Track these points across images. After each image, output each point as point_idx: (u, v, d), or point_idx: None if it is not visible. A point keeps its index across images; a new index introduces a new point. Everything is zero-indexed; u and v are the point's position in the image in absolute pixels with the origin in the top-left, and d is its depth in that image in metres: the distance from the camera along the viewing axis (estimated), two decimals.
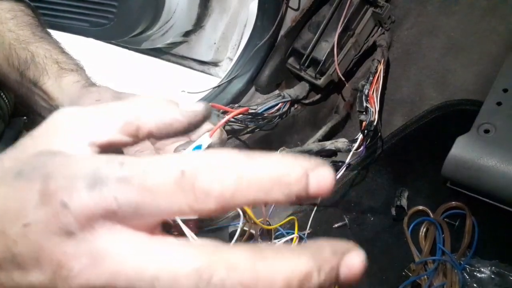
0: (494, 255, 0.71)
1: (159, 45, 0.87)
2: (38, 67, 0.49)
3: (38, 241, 0.21)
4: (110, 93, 0.45)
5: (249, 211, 0.44)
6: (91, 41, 0.85)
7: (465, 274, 0.69)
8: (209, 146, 0.40)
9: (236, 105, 0.75)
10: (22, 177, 0.23)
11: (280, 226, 0.69)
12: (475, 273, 0.70)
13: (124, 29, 0.74)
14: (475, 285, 0.69)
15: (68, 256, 0.21)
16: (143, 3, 0.71)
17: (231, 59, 0.88)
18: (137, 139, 0.26)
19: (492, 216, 0.74)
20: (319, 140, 0.83)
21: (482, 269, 0.70)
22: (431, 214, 0.76)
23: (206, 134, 0.40)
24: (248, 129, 0.75)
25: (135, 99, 0.26)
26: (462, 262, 0.70)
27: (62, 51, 0.51)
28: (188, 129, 0.26)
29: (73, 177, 0.21)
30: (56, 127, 0.25)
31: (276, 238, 0.73)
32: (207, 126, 0.40)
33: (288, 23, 0.77)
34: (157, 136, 0.26)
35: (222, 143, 0.43)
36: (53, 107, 0.47)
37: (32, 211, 0.22)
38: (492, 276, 0.70)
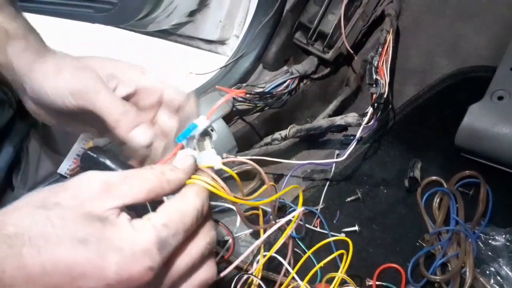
0: (509, 223, 0.70)
1: (165, 27, 0.87)
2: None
3: None
4: (69, 62, 0.42)
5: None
6: (98, 26, 0.85)
7: (479, 242, 0.69)
8: (205, 128, 0.40)
9: (244, 84, 0.75)
10: (88, 246, 0.30)
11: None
12: (489, 241, 0.70)
13: (129, 13, 0.74)
14: (489, 253, 0.69)
15: None
16: None
17: (237, 37, 0.88)
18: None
19: (507, 184, 0.73)
20: (330, 115, 0.82)
21: (497, 237, 0.70)
22: (444, 184, 0.76)
23: (203, 117, 0.41)
24: (258, 108, 0.75)
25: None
26: (476, 231, 0.70)
27: (15, 18, 0.45)
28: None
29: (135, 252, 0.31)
30: (90, 191, 0.33)
31: (289, 213, 0.74)
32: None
33: None
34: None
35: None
36: (7, 78, 0.44)
37: (113, 277, 0.30)
38: (507, 243, 0.70)
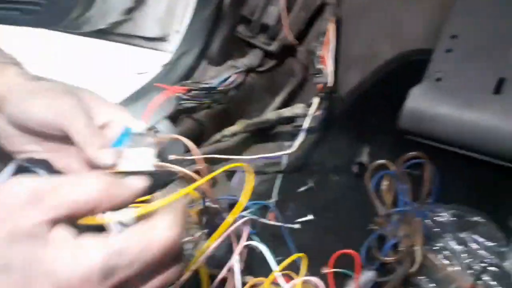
0: (454, 199, 0.73)
1: (101, 26, 0.83)
2: None
3: None
4: (61, 88, 0.43)
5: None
6: (27, 29, 0.80)
7: (427, 220, 0.72)
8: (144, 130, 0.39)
9: (189, 81, 0.73)
10: (11, 272, 0.26)
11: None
12: (436, 218, 0.73)
13: (58, 13, 0.70)
14: (437, 230, 0.72)
15: None
16: None
17: (179, 32, 0.85)
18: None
19: (450, 162, 0.77)
20: (278, 108, 0.82)
21: (443, 214, 0.73)
22: (392, 167, 0.78)
23: (138, 120, 0.40)
24: (205, 105, 0.74)
25: (89, 181, 0.30)
26: (423, 210, 0.73)
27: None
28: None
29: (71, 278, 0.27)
30: (17, 201, 0.28)
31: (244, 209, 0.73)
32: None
33: None
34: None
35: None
36: None
37: None
38: (454, 219, 0.73)
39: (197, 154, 0.44)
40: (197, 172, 0.71)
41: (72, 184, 0.29)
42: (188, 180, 0.40)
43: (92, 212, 0.30)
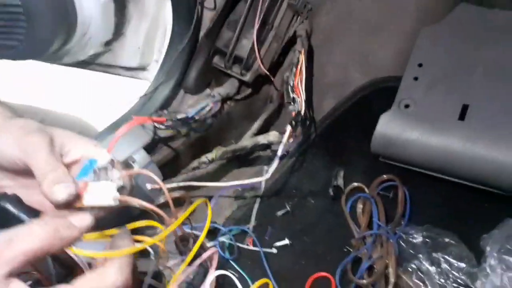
0: (426, 220, 0.76)
1: (81, 58, 0.85)
2: None
3: None
4: (33, 126, 0.45)
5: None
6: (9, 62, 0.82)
7: (401, 242, 0.74)
8: (104, 167, 0.40)
9: (167, 110, 0.75)
10: None
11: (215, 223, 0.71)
12: (410, 239, 0.75)
13: (38, 48, 0.71)
14: (410, 251, 0.74)
15: None
16: (53, 20, 0.69)
17: (158, 62, 0.88)
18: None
19: (423, 184, 0.79)
20: (255, 134, 0.85)
21: (416, 235, 0.75)
22: (366, 190, 0.81)
23: (103, 150, 0.41)
24: (182, 134, 0.76)
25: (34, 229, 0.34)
26: (397, 232, 0.75)
27: None
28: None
29: None
30: None
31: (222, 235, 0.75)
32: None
33: (207, 23, 0.77)
34: None
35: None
36: None
37: None
38: (427, 240, 0.75)
39: (163, 188, 0.46)
40: (175, 199, 0.72)
41: (22, 236, 0.33)
42: (153, 212, 0.42)
43: (46, 254, 0.34)
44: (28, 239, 0.33)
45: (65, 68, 0.91)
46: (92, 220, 0.38)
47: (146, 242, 0.40)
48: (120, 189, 0.41)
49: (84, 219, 0.38)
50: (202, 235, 0.53)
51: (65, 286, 0.33)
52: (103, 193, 0.40)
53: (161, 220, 0.44)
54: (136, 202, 0.41)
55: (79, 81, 0.94)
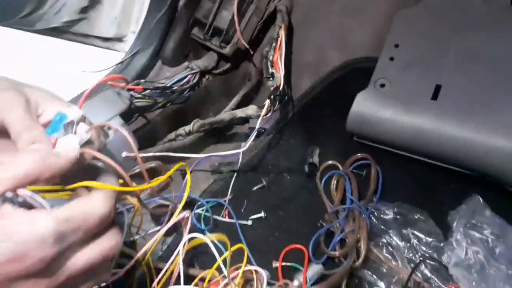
0: (397, 198, 0.78)
1: (55, 24, 0.82)
2: None
3: None
4: (6, 84, 0.43)
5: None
6: None
7: (372, 217, 0.76)
8: (72, 122, 0.40)
9: (143, 80, 0.74)
10: None
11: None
12: (381, 216, 0.77)
13: (9, 10, 0.69)
14: (381, 226, 0.76)
15: None
16: None
17: (135, 33, 0.86)
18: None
19: (394, 163, 0.81)
20: (233, 109, 0.84)
21: (387, 211, 0.77)
22: (340, 168, 0.82)
23: (75, 106, 0.40)
24: (159, 104, 0.75)
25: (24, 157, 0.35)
26: (369, 208, 0.77)
27: None
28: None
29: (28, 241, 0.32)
30: None
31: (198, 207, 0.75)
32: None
33: None
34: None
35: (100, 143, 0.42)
36: None
37: (2, 263, 0.31)
38: (396, 216, 0.77)
39: (137, 155, 0.45)
40: (149, 169, 0.71)
41: (11, 162, 0.35)
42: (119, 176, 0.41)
43: (36, 181, 0.35)
44: (18, 165, 0.34)
45: (37, 36, 0.88)
46: (77, 154, 0.38)
47: (131, 187, 0.40)
48: (88, 144, 0.41)
49: (71, 151, 0.38)
50: (183, 198, 0.53)
51: (53, 209, 0.34)
52: (67, 146, 0.39)
53: (127, 184, 0.44)
54: (102, 157, 0.40)
55: (52, 51, 0.91)
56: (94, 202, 0.36)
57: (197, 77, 0.79)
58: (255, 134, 0.71)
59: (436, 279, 0.71)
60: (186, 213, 0.54)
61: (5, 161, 0.35)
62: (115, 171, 0.41)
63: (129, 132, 0.44)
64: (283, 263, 0.69)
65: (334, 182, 0.80)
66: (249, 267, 0.61)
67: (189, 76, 0.77)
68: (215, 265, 0.58)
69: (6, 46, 0.93)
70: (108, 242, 0.37)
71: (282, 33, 0.76)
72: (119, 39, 0.87)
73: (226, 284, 0.57)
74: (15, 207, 0.34)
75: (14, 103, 0.41)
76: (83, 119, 0.42)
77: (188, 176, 0.51)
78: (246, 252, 0.62)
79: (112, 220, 0.38)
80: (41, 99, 0.43)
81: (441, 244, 0.73)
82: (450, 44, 0.80)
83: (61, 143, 0.40)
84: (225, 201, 0.76)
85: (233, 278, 0.58)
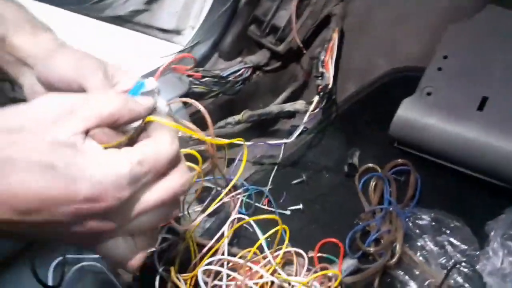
0: (434, 205, 0.79)
1: (121, 13, 0.88)
2: (6, 23, 0.50)
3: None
4: (88, 54, 0.46)
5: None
6: (52, 9, 0.85)
7: (408, 221, 0.77)
8: (151, 91, 0.43)
9: (201, 68, 0.79)
10: (57, 171, 0.31)
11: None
12: (417, 221, 0.78)
13: None
14: (417, 230, 0.77)
15: None
16: None
17: (193, 28, 0.91)
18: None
19: (432, 171, 0.83)
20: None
21: (423, 217, 0.78)
22: (379, 171, 0.84)
23: (152, 78, 0.43)
24: (213, 93, 0.79)
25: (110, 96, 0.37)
26: (406, 211, 0.78)
27: (31, 14, 0.52)
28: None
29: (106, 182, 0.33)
30: (52, 113, 0.33)
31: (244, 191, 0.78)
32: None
33: None
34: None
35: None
36: (20, 61, 0.48)
37: (82, 201, 0.32)
38: (432, 223, 0.78)
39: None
40: (199, 151, 0.75)
41: (97, 100, 0.35)
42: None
43: (115, 123, 0.36)
44: (103, 103, 0.35)
45: (100, 23, 0.94)
46: (155, 102, 0.40)
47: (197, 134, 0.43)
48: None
49: (149, 100, 0.40)
50: (236, 176, 0.56)
51: (126, 149, 0.35)
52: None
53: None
54: (185, 123, 0.44)
55: (115, 38, 0.97)
56: (162, 143, 0.37)
57: (250, 71, 0.83)
58: (302, 128, 0.74)
59: (469, 287, 0.71)
60: (236, 193, 0.57)
61: (90, 99, 0.35)
62: (198, 136, 0.44)
63: (186, 116, 0.47)
64: (319, 254, 0.71)
65: (372, 183, 0.82)
66: (290, 248, 0.63)
67: (242, 70, 0.82)
68: (257, 243, 0.61)
69: (71, 32, 1.00)
70: (178, 180, 0.37)
71: (335, 36, 0.79)
72: (178, 32, 0.92)
73: (267, 263, 0.60)
74: (96, 146, 0.34)
75: (94, 69, 0.43)
76: (158, 91, 0.45)
77: (245, 152, 0.53)
78: (288, 233, 0.65)
79: (181, 159, 0.39)
80: (115, 71, 0.46)
81: (477, 253, 0.73)
82: (498, 58, 0.81)
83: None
84: (265, 189, 0.79)
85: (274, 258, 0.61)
